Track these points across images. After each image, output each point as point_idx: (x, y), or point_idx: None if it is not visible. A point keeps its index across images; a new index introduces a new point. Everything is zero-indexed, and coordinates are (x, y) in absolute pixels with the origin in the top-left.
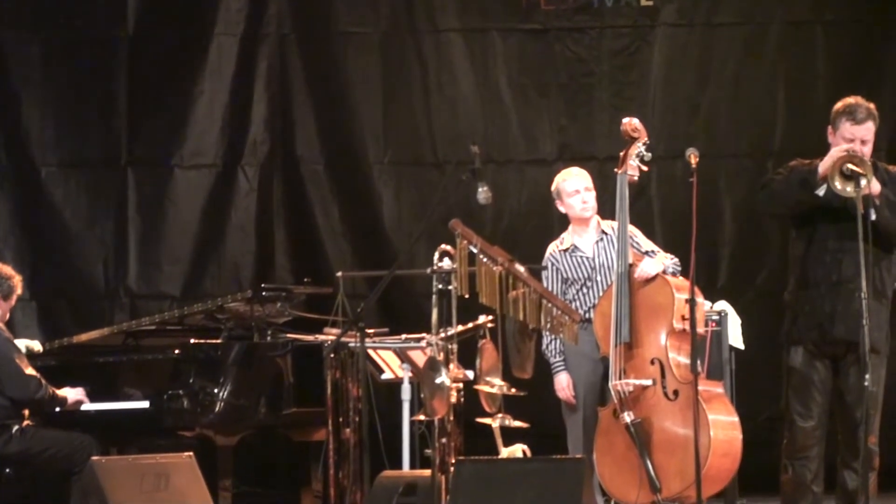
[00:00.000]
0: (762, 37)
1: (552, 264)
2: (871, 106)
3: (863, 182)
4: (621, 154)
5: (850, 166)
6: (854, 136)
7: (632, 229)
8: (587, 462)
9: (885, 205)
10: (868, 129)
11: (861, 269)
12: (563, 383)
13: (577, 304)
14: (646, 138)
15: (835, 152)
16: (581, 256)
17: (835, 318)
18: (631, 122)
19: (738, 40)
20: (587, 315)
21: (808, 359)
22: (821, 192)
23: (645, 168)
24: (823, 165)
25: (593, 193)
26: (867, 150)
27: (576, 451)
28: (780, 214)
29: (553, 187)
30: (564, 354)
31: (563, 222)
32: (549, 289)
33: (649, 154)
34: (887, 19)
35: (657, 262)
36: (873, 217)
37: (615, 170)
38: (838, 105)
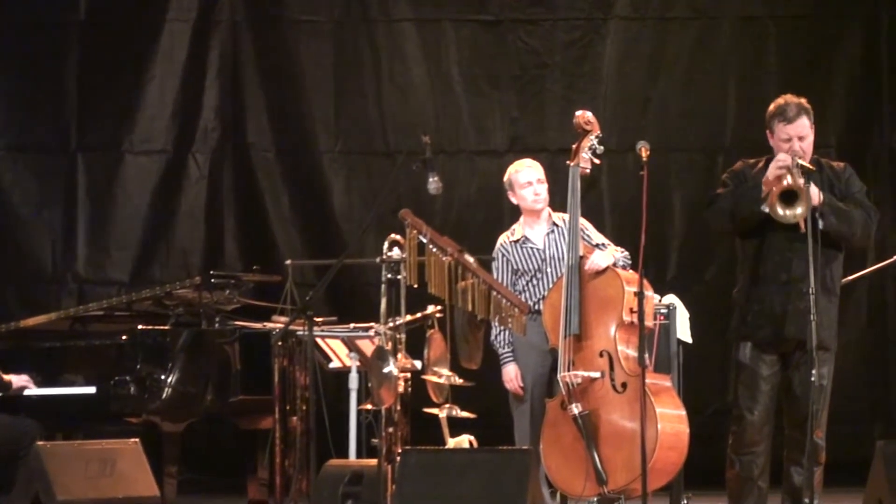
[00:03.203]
0: (714, 31)
1: (502, 255)
2: (802, 101)
3: (800, 210)
4: (574, 146)
5: (794, 184)
6: (789, 135)
7: (583, 222)
8: (534, 453)
9: (829, 212)
10: (802, 126)
11: (810, 264)
12: (511, 374)
13: (527, 295)
14: (598, 131)
15: (772, 171)
16: (531, 248)
17: (786, 317)
18: (584, 115)
19: (690, 35)
20: (536, 306)
21: (756, 354)
22: (765, 208)
23: (597, 161)
24: (766, 184)
25: (545, 185)
26: (806, 146)
27: (523, 443)
28: (729, 233)
29: (505, 178)
30: (513, 345)
31: (513, 213)
32: (499, 280)
33: (601, 147)
34: (838, 15)
35: (607, 254)
36: (821, 226)
37: (567, 162)
38: (770, 108)
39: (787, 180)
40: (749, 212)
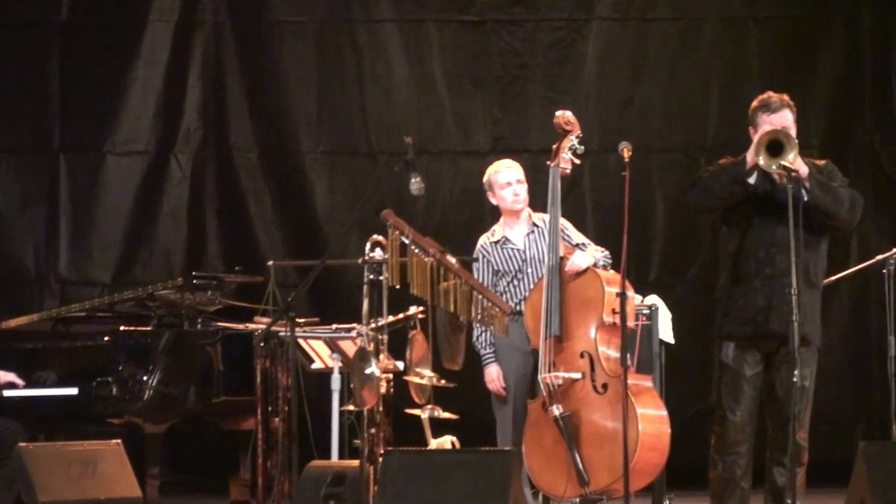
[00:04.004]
0: (696, 32)
1: (483, 256)
2: (785, 97)
3: (790, 155)
4: (554, 147)
5: (781, 131)
6: (773, 125)
7: (563, 222)
8: (516, 454)
9: (815, 185)
10: (784, 117)
11: (792, 263)
12: (492, 375)
13: (508, 296)
14: (579, 131)
15: (758, 137)
16: (512, 249)
17: (770, 312)
18: (564, 115)
19: (672, 35)
20: (517, 307)
21: (739, 353)
22: (752, 179)
23: (578, 161)
24: (750, 152)
25: (525, 186)
26: None
27: (505, 444)
28: (712, 209)
29: (485, 179)
30: (495, 346)
31: (494, 214)
32: (480, 281)
33: (582, 147)
34: (820, 16)
35: (588, 255)
36: (806, 198)
37: (548, 162)
38: (753, 103)
39: (775, 138)
40: (731, 182)
